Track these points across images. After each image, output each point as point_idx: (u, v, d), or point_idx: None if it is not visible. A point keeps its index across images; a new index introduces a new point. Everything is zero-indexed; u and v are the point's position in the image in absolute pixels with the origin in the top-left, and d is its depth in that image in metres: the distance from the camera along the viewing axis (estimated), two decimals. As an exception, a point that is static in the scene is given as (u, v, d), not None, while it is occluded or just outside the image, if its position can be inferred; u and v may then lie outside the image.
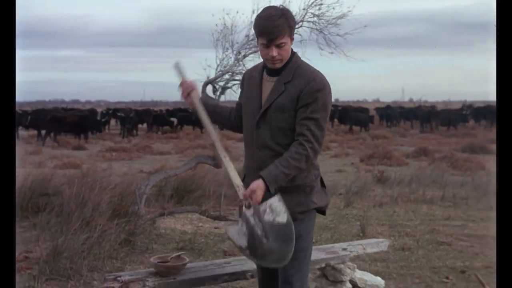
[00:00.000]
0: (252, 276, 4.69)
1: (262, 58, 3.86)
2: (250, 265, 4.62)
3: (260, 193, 3.61)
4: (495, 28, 3.33)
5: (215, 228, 9.25)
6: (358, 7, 10.80)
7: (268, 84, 3.88)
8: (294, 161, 3.67)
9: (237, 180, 3.79)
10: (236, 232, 3.72)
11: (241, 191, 3.74)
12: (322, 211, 3.95)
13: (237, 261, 4.83)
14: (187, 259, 4.61)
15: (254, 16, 9.81)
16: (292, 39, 3.79)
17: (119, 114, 38.01)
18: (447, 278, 6.58)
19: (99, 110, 49.20)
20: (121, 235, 7.30)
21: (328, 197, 4.01)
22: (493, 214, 10.49)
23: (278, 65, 3.80)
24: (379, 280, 5.57)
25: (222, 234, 8.68)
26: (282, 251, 3.58)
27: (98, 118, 37.97)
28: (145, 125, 40.01)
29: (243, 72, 9.86)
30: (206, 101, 4.11)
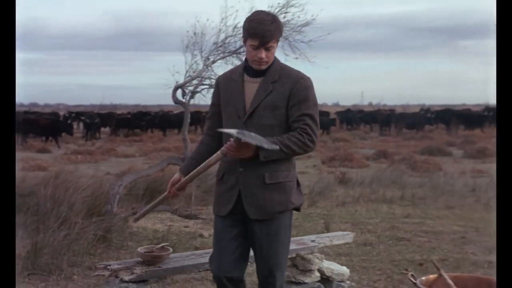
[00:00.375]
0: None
1: (249, 59, 4.01)
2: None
3: (244, 151, 3.80)
4: (494, 28, 3.32)
5: (185, 227, 9.61)
6: (317, 9, 11.20)
7: (252, 85, 4.03)
8: (293, 144, 3.88)
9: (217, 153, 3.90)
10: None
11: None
12: (297, 209, 4.18)
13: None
14: (171, 249, 5.01)
15: (223, 23, 10.27)
16: (277, 43, 4.00)
17: (83, 118, 38.06)
18: (406, 270, 7.03)
19: (61, 113, 49.13)
20: (98, 233, 7.63)
21: (303, 195, 4.25)
22: (451, 212, 11.10)
23: (264, 67, 3.97)
24: (344, 269, 6.01)
25: (193, 232, 9.07)
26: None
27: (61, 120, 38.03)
28: (107, 128, 40.15)
29: (212, 77, 10.29)
30: (188, 170, 4.17)
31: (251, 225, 4.06)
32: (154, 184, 11.24)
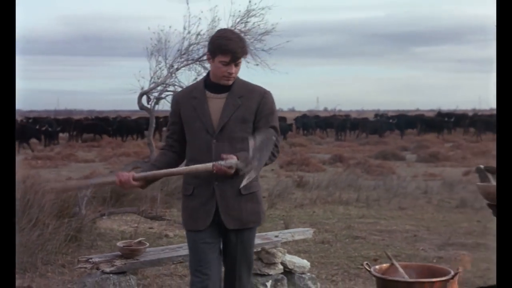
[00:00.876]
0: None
1: (217, 75, 4.11)
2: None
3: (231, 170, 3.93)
4: (494, 29, 3.32)
5: (150, 228, 10.00)
6: (276, 17, 11.71)
7: (216, 101, 4.14)
8: (268, 159, 4.07)
9: (208, 164, 3.96)
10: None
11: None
12: None
13: (187, 245, 5.67)
14: (147, 244, 5.45)
15: (186, 32, 10.69)
16: None
17: (44, 127, 37.95)
18: (361, 265, 7.54)
19: (18, 119, 48.85)
20: (70, 233, 8.00)
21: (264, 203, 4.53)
22: (404, 213, 11.67)
23: (231, 82, 4.12)
24: (305, 262, 6.49)
25: (158, 233, 9.48)
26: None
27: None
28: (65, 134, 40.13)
29: (176, 84, 10.69)
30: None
31: (226, 234, 4.18)
32: (118, 187, 11.58)
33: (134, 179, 4.04)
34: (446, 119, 46.23)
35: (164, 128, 46.24)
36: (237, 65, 4.10)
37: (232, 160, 3.91)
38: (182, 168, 4.17)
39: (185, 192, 4.23)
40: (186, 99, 4.22)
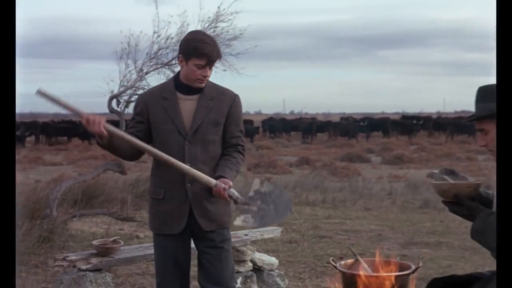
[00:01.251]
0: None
1: (191, 78, 4.09)
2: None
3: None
4: (494, 31, 3.27)
5: (120, 229, 10.15)
6: (244, 22, 11.91)
7: (188, 102, 4.13)
8: (239, 166, 4.22)
9: (212, 180, 4.00)
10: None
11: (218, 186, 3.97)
12: None
13: (161, 244, 5.88)
14: (122, 242, 5.64)
15: (156, 36, 10.85)
16: None
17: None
18: (328, 263, 7.78)
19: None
20: (43, 234, 8.14)
21: None
22: (369, 213, 11.95)
23: (204, 85, 4.13)
24: (274, 260, 6.72)
25: (129, 234, 9.65)
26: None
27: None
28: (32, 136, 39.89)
29: (146, 87, 10.84)
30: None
31: (203, 236, 4.18)
32: (88, 190, 11.72)
33: (104, 126, 3.90)
34: (414, 121, 46.83)
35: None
36: (211, 68, 4.12)
37: (236, 192, 3.99)
38: (166, 156, 3.99)
39: (156, 196, 4.18)
40: (155, 100, 4.15)
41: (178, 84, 4.17)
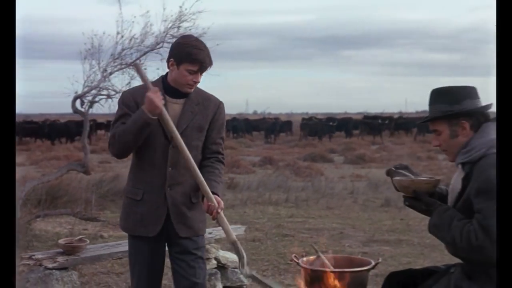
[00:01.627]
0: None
1: (181, 83, 4.05)
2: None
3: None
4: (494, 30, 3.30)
5: (84, 229, 10.17)
6: (207, 21, 12.02)
7: (174, 106, 4.08)
8: (221, 176, 4.26)
9: (233, 235, 4.28)
10: None
11: (240, 247, 4.36)
12: None
13: (126, 243, 5.94)
14: (88, 241, 5.71)
15: (119, 37, 10.89)
16: None
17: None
18: (290, 260, 7.92)
19: None
20: (6, 234, 8.15)
21: None
22: (331, 212, 12.13)
23: (192, 90, 4.11)
24: (235, 257, 6.84)
25: (94, 234, 9.67)
26: None
27: None
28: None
29: (109, 88, 10.88)
30: None
31: (178, 242, 4.18)
32: (52, 190, 11.73)
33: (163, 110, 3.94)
34: (380, 121, 47.23)
35: (100, 131, 45.89)
36: (201, 74, 4.09)
37: (247, 269, 4.40)
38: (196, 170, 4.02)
39: (133, 197, 4.13)
40: (137, 101, 4.05)
41: (166, 86, 4.11)
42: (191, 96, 4.14)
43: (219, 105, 4.27)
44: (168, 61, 4.12)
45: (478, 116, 3.55)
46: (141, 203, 4.10)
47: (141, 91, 4.05)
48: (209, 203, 4.03)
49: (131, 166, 4.22)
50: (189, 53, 3.99)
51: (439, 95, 3.63)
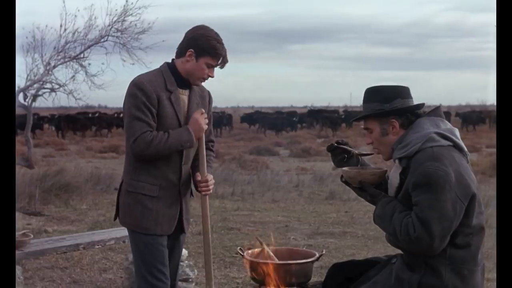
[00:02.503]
0: (84, 248, 5.81)
1: (197, 76, 3.93)
2: (82, 239, 5.74)
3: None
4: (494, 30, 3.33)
5: (28, 224, 10.05)
6: (153, 15, 12.00)
7: (183, 97, 3.99)
8: (212, 163, 4.41)
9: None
10: None
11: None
12: None
13: (71, 237, 5.93)
14: (32, 236, 5.66)
15: (62, 30, 10.80)
16: None
17: None
18: (236, 253, 7.97)
19: None
20: None
21: None
22: (277, 205, 12.21)
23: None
24: (183, 251, 6.82)
25: (37, 229, 9.57)
26: None
27: None
28: None
29: (53, 81, 10.78)
30: None
31: (178, 237, 4.25)
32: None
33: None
34: (336, 115, 47.58)
35: (49, 126, 44.98)
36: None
37: None
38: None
39: (149, 193, 3.95)
40: (163, 92, 3.89)
41: (177, 77, 3.96)
42: (194, 87, 4.07)
43: (210, 96, 4.23)
44: (185, 51, 3.92)
45: (408, 115, 3.63)
46: (157, 200, 3.97)
47: (159, 81, 3.90)
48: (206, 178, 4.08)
49: (140, 164, 3.96)
50: (213, 47, 3.88)
51: (371, 94, 3.70)
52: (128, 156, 3.99)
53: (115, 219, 4.18)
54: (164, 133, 3.86)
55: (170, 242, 4.16)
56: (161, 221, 3.99)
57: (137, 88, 3.83)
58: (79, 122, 41.03)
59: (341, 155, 4.04)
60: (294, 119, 45.78)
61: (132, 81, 3.90)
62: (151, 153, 3.84)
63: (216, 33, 3.96)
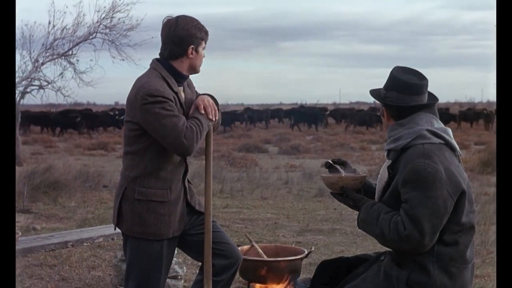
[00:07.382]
0: (72, 246, 5.79)
1: (199, 64, 3.97)
2: (70, 236, 5.74)
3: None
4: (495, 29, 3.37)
5: (16, 222, 10.04)
6: (142, 12, 12.00)
7: (182, 94, 3.99)
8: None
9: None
10: None
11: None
12: None
13: (59, 235, 5.92)
14: (20, 233, 5.64)
15: (51, 27, 10.78)
16: None
17: None
18: (225, 250, 7.98)
19: None
20: None
21: None
22: (266, 202, 12.22)
23: None
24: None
25: (26, 226, 9.50)
26: None
27: None
28: None
29: (41, 78, 10.77)
30: None
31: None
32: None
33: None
34: (322, 112, 47.66)
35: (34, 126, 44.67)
36: None
37: None
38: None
39: (161, 199, 3.90)
40: (172, 94, 3.84)
41: (177, 75, 3.92)
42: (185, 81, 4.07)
43: (190, 79, 4.13)
44: (185, 51, 3.88)
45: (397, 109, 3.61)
46: (167, 204, 3.93)
47: (165, 84, 3.83)
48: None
49: (149, 171, 3.90)
50: (203, 30, 3.93)
51: (389, 74, 3.67)
52: (135, 161, 3.92)
53: (115, 227, 4.05)
54: (190, 119, 3.85)
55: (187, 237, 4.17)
56: (173, 224, 3.96)
57: (157, 95, 3.74)
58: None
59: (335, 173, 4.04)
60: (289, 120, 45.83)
61: (144, 90, 3.76)
62: (201, 140, 3.92)
63: (190, 17, 3.93)
